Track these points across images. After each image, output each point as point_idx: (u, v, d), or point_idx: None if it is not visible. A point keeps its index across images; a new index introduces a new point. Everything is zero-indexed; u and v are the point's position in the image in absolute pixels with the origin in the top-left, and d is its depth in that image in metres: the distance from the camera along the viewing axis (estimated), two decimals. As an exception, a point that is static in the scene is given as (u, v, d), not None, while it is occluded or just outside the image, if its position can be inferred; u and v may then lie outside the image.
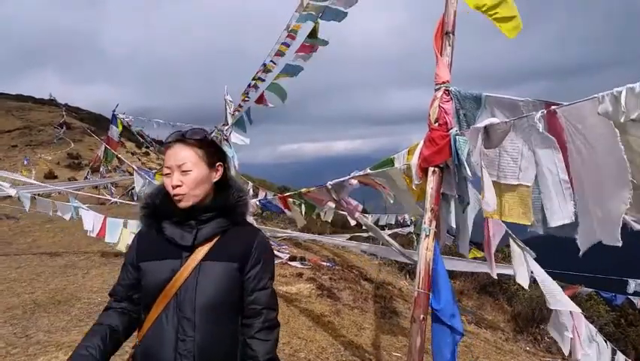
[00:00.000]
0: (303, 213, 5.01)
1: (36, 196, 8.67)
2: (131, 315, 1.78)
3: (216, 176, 1.77)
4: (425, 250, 2.58)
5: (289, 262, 8.59)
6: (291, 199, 5.05)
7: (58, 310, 5.41)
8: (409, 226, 10.98)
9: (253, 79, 8.12)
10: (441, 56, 2.79)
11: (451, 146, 2.64)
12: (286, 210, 5.25)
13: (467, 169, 2.60)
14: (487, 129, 2.45)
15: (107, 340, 1.67)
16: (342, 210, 4.90)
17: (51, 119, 48.94)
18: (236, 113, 8.60)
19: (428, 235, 2.59)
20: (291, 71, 6.34)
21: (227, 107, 8.97)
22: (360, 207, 4.67)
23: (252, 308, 1.71)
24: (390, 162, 3.49)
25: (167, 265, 1.68)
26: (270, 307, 1.73)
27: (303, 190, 4.94)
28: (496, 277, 3.03)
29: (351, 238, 10.86)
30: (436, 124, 2.71)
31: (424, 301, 2.58)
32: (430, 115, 2.74)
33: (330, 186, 4.36)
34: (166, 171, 1.69)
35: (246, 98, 8.44)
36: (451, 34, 2.79)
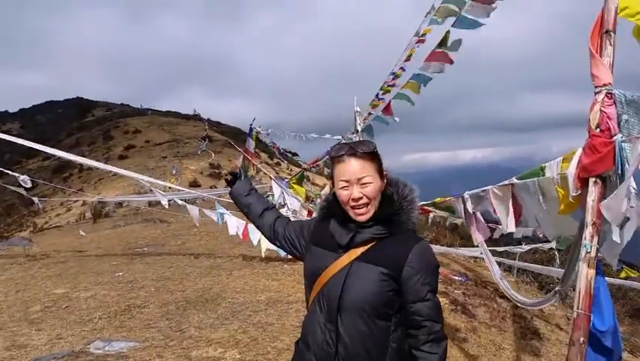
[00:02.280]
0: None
1: (186, 203, 9.59)
2: (272, 228, 2.17)
3: (383, 185, 1.80)
4: (586, 268, 2.36)
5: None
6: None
7: (206, 308, 5.83)
8: (550, 241, 10.08)
9: (381, 89, 8.15)
10: (600, 56, 2.57)
11: (615, 154, 2.41)
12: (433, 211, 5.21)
13: (632, 180, 2.35)
14: (662, 135, 2.20)
15: (261, 205, 2.23)
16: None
17: (195, 132, 53.86)
18: (364, 122, 8.70)
19: (589, 252, 2.38)
20: (420, 81, 6.26)
21: (357, 117, 9.12)
22: (488, 231, 4.36)
23: (413, 319, 1.72)
24: (541, 171, 3.26)
25: (326, 256, 1.83)
26: (433, 319, 1.72)
27: (437, 200, 4.79)
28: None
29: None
30: (597, 130, 2.49)
31: (584, 322, 2.37)
32: (589, 120, 2.53)
33: (467, 197, 4.15)
34: (342, 184, 1.75)
35: (374, 109, 8.50)
36: (611, 33, 2.56)
